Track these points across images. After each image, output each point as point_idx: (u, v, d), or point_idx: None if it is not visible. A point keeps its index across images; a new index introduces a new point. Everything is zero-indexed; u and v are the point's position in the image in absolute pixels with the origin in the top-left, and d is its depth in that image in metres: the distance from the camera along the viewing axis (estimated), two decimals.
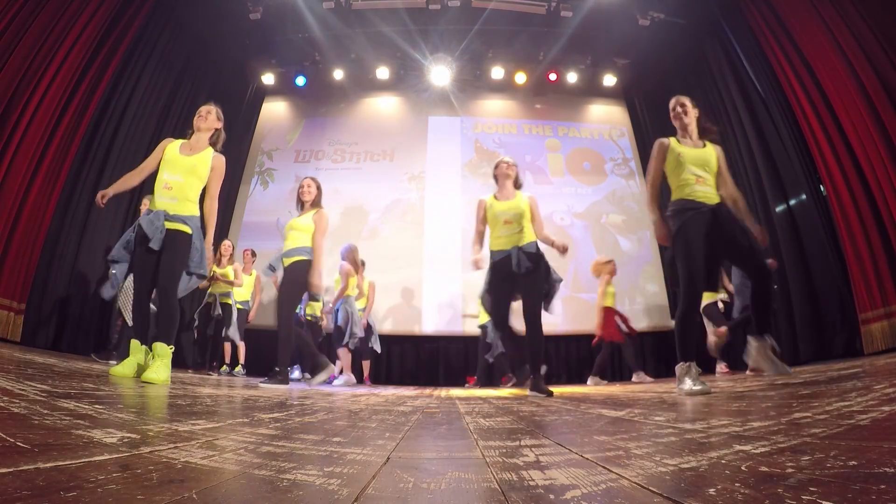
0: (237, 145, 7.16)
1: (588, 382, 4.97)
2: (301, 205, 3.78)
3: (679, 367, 2.28)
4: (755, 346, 2.35)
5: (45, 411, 0.94)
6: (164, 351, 2.38)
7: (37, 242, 4.25)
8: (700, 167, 2.46)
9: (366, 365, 5.31)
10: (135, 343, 2.47)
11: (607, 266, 5.29)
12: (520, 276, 3.03)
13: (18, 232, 4.05)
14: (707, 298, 4.45)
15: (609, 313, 5.08)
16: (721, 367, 4.51)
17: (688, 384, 2.19)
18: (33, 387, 1.34)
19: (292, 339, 3.49)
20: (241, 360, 5.28)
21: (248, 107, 7.41)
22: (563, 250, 3.10)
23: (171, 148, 2.66)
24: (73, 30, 4.41)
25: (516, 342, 3.19)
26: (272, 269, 3.75)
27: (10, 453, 0.57)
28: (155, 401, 1.48)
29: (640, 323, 6.29)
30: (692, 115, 2.57)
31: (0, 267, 3.94)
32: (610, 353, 5.17)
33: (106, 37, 4.84)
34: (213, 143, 2.74)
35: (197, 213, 2.63)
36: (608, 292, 5.16)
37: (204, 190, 2.70)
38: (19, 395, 1.14)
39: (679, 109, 2.57)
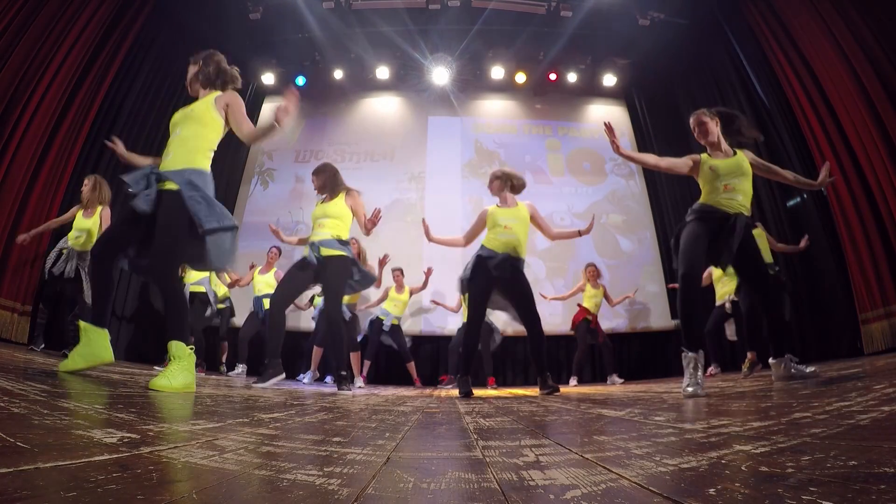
0: (238, 145, 7.16)
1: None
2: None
3: (683, 358, 2.25)
4: (774, 366, 2.38)
5: (45, 411, 0.94)
6: (181, 352, 1.97)
7: (41, 244, 4.25)
8: (734, 175, 2.48)
9: (411, 367, 5.46)
10: (86, 326, 2.00)
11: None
12: (508, 280, 3.14)
13: (21, 233, 4.06)
14: (718, 298, 4.47)
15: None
16: (711, 369, 4.50)
17: (685, 382, 2.17)
18: (33, 387, 1.34)
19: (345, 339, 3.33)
20: (223, 358, 5.33)
21: (248, 107, 7.38)
22: (589, 228, 3.51)
23: (178, 113, 2.31)
24: (73, 30, 4.41)
25: (471, 349, 3.20)
26: (313, 257, 3.22)
27: (10, 453, 0.57)
28: (155, 401, 1.48)
29: (639, 323, 6.30)
30: (713, 128, 2.56)
31: (3, 269, 3.95)
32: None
33: (107, 37, 4.84)
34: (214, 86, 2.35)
35: (194, 164, 2.13)
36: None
37: (228, 137, 2.34)
38: (19, 395, 1.14)
39: (698, 130, 2.59)
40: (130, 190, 2.05)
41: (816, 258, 4.69)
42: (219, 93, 2.32)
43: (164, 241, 2.02)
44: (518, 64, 7.07)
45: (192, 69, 2.38)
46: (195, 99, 2.36)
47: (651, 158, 2.62)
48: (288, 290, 3.27)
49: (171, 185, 2.05)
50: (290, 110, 2.13)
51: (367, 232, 3.35)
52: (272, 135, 2.24)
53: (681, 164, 2.58)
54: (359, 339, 5.06)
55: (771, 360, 2.40)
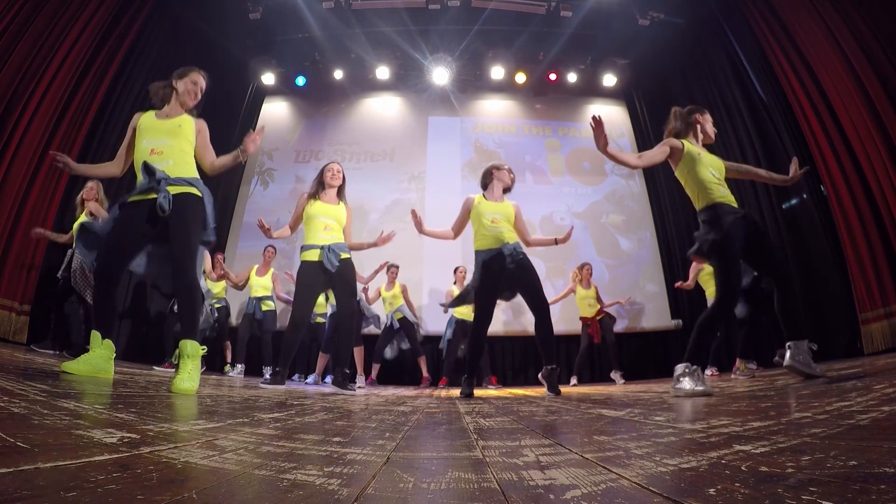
0: (237, 145, 7.16)
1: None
2: (322, 188, 3.48)
3: (681, 367, 2.22)
4: (793, 349, 2.27)
5: (45, 411, 0.94)
6: (196, 350, 1.99)
7: (39, 243, 4.25)
8: (716, 169, 2.51)
9: (421, 361, 5.43)
10: (95, 335, 2.01)
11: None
12: (515, 273, 3.10)
13: (19, 233, 4.06)
14: (710, 297, 4.45)
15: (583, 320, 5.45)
16: (710, 371, 4.50)
17: (688, 384, 2.15)
18: (33, 387, 1.34)
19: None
20: (228, 358, 5.30)
21: (248, 107, 7.40)
22: (566, 237, 3.39)
23: (146, 117, 2.30)
24: (73, 30, 4.41)
25: (479, 351, 3.18)
26: (332, 264, 3.17)
27: (10, 453, 0.57)
28: (155, 401, 1.48)
29: (639, 323, 6.30)
30: None
31: (1, 268, 3.94)
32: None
33: (106, 37, 4.84)
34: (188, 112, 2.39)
35: (197, 174, 2.27)
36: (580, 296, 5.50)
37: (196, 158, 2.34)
38: (19, 395, 1.14)
39: (711, 124, 2.63)
40: (134, 196, 2.13)
41: (816, 258, 4.69)
42: (191, 118, 2.36)
43: (192, 240, 2.11)
44: (518, 64, 7.07)
45: (200, 84, 2.40)
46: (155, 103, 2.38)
47: (632, 159, 2.56)
48: (307, 307, 3.25)
49: (190, 190, 2.17)
50: (257, 141, 2.39)
51: (350, 246, 3.43)
52: (232, 166, 2.44)
53: (657, 152, 2.54)
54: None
55: (789, 343, 2.28)
